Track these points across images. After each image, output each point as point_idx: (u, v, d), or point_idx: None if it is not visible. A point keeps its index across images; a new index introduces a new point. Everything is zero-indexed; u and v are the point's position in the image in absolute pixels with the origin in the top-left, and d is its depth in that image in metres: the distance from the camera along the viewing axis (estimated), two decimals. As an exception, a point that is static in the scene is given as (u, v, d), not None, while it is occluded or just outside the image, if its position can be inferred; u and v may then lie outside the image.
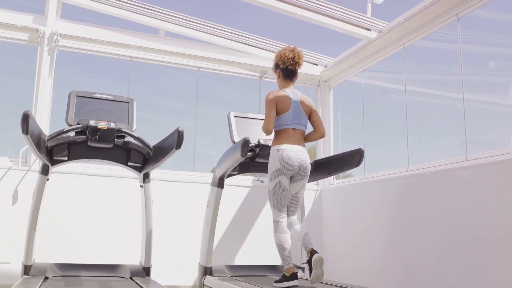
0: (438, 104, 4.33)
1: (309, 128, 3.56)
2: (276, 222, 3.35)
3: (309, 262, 3.12)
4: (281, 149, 3.31)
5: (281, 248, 3.29)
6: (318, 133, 3.51)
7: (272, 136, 3.65)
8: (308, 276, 3.18)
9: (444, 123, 4.13)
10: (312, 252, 3.13)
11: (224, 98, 5.60)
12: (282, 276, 3.35)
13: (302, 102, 3.45)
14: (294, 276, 3.26)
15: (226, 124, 4.13)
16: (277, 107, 3.40)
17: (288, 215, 3.42)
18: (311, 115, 3.51)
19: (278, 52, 3.54)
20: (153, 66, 5.08)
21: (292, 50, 3.48)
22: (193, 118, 5.08)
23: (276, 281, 3.33)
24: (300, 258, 4.16)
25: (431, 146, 4.24)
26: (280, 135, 3.38)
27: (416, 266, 3.71)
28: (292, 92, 3.47)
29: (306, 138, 3.52)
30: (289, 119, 3.38)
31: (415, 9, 3.96)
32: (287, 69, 3.49)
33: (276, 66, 3.56)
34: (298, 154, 3.32)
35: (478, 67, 3.78)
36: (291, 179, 3.36)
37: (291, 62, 3.46)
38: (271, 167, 3.35)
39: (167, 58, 5.01)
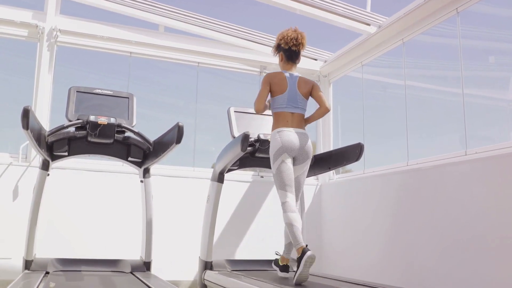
0: (437, 99, 4.34)
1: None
2: (284, 203, 3.24)
3: (299, 259, 3.01)
4: (281, 131, 3.30)
5: (290, 226, 3.13)
6: (322, 108, 3.42)
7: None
8: (294, 273, 3.08)
9: (444, 118, 4.13)
10: (305, 250, 3.00)
11: (224, 93, 5.61)
12: (278, 260, 3.40)
13: (299, 85, 3.40)
14: (285, 268, 3.33)
15: (226, 121, 4.13)
16: (272, 88, 3.37)
17: None
18: (312, 92, 3.45)
19: (280, 33, 3.47)
20: (152, 62, 5.08)
21: (295, 31, 3.43)
22: (193, 114, 5.08)
23: (275, 263, 3.38)
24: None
25: (430, 142, 4.25)
26: (279, 119, 3.35)
27: (417, 262, 3.72)
28: (291, 74, 3.42)
29: (311, 118, 3.46)
30: (285, 101, 3.34)
31: (415, 3, 3.96)
32: (290, 50, 3.44)
33: (278, 47, 3.50)
34: (298, 135, 3.30)
35: (477, 62, 3.78)
36: (294, 161, 3.34)
37: (294, 42, 3.41)
38: (272, 149, 3.31)
39: (166, 54, 5.01)
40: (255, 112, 3.46)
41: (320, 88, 3.50)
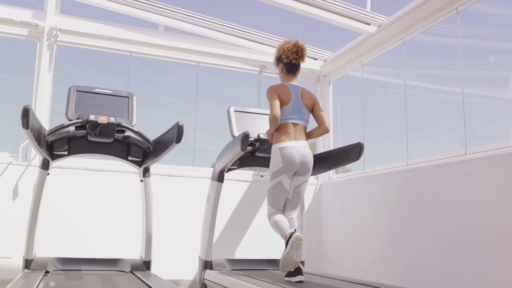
0: (437, 99, 4.34)
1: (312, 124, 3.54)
2: (269, 214, 3.34)
3: (286, 243, 3.01)
4: (283, 147, 3.27)
5: (276, 223, 3.21)
6: (322, 129, 3.44)
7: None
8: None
9: (444, 117, 4.13)
10: (292, 233, 3.00)
11: (224, 93, 5.61)
12: (292, 273, 3.30)
13: (302, 96, 3.40)
14: (298, 271, 3.13)
15: (226, 120, 4.13)
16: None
17: (289, 209, 3.38)
18: (314, 109, 3.45)
19: (281, 46, 3.47)
20: (152, 61, 5.08)
21: (295, 44, 3.42)
22: (192, 114, 5.09)
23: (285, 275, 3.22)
24: (300, 252, 4.17)
25: (430, 142, 4.25)
26: (281, 132, 3.33)
27: (417, 261, 3.72)
28: (293, 85, 3.43)
29: (310, 135, 3.46)
30: (289, 112, 3.33)
31: (415, 3, 3.96)
32: (290, 63, 3.45)
33: (278, 59, 3.51)
34: (300, 150, 3.29)
35: (477, 62, 3.78)
36: (294, 174, 3.34)
37: (294, 56, 3.41)
38: (273, 166, 3.32)
39: (166, 53, 5.01)
40: (254, 111, 3.45)
41: (320, 106, 3.49)
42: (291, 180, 3.36)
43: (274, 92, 3.34)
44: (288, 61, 3.44)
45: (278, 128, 3.36)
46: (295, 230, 3.07)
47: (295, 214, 3.41)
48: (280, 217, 3.25)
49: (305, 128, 3.42)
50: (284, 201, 3.36)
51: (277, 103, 3.29)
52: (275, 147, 3.33)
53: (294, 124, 3.34)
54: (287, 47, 3.42)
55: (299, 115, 3.37)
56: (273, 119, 3.28)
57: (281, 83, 3.47)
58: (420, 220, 3.72)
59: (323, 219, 5.15)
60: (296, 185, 3.38)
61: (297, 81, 3.55)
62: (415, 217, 3.77)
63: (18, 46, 4.71)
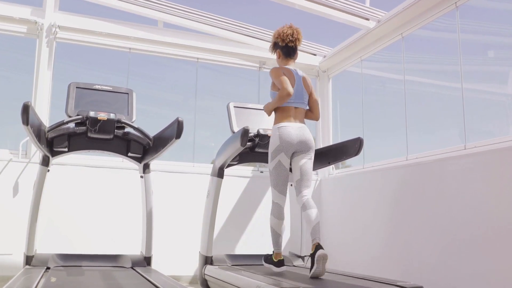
0: (436, 94, 4.34)
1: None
2: (275, 204, 3.33)
3: (312, 256, 3.03)
4: (281, 126, 3.29)
5: (274, 233, 3.36)
6: (314, 115, 3.50)
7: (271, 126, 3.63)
8: (309, 269, 3.08)
9: (443, 112, 4.14)
10: (318, 247, 3.01)
11: (223, 89, 5.61)
12: (269, 256, 3.48)
13: (304, 82, 3.42)
14: (281, 263, 3.38)
15: (225, 116, 4.14)
16: None
17: (301, 190, 3.34)
18: (310, 95, 3.48)
19: (276, 31, 3.49)
20: (152, 58, 5.08)
21: (290, 27, 3.44)
22: (192, 110, 5.09)
23: (266, 260, 3.47)
24: (300, 247, 4.18)
25: (430, 137, 4.25)
26: (282, 114, 3.34)
27: (417, 257, 3.73)
28: (295, 70, 3.44)
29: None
30: (293, 97, 3.33)
31: (414, -2, 3.96)
32: (287, 47, 3.45)
33: (275, 45, 3.52)
34: (298, 130, 3.30)
35: (477, 57, 3.78)
36: (294, 154, 3.34)
37: (290, 38, 3.41)
38: (271, 146, 3.33)
39: (166, 50, 5.01)
40: (253, 107, 3.47)
41: (315, 95, 3.54)
42: (294, 161, 3.36)
43: (280, 72, 3.34)
44: (284, 44, 3.45)
45: (280, 111, 3.36)
46: (319, 243, 3.05)
47: (308, 194, 3.35)
48: (279, 226, 3.36)
49: (305, 111, 3.45)
50: (286, 182, 3.34)
51: (286, 79, 3.27)
52: (274, 127, 3.36)
53: (296, 108, 3.37)
54: (282, 31, 3.44)
55: (301, 99, 3.39)
56: (286, 95, 3.23)
57: (285, 66, 3.45)
58: (420, 214, 3.73)
59: (323, 215, 5.15)
60: (300, 164, 3.35)
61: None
62: (415, 212, 3.78)
63: (18, 43, 4.71)
